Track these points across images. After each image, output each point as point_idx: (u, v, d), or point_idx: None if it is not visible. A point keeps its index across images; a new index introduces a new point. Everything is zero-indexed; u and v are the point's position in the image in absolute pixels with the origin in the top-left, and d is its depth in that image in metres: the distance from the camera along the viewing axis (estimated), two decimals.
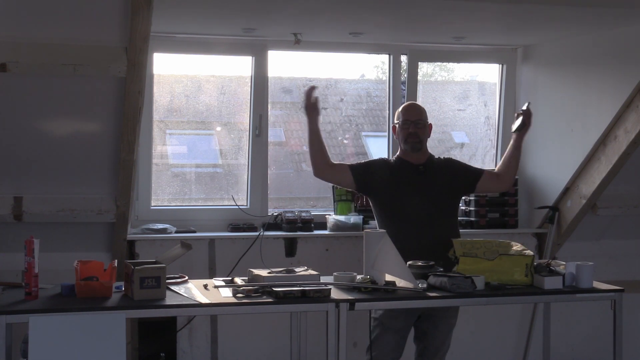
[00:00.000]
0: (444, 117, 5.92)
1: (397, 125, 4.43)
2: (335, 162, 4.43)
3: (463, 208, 5.69)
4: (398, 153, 4.46)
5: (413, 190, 4.30)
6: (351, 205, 5.39)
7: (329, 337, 3.50)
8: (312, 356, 4.18)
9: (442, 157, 4.59)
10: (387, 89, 5.68)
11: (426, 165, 4.37)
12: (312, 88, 4.31)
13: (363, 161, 4.55)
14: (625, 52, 4.89)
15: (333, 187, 5.40)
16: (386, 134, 5.71)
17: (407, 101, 5.62)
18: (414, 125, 4.36)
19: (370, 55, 5.85)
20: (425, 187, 4.31)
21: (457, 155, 5.97)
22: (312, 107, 4.30)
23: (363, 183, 4.34)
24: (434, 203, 4.27)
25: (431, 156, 4.46)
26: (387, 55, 5.65)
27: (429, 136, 4.48)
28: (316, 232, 5.29)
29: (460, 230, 5.44)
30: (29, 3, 3.77)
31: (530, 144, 5.74)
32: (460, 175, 4.41)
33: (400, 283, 3.76)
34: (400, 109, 4.49)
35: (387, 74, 5.69)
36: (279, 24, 4.82)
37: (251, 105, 5.37)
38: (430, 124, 4.49)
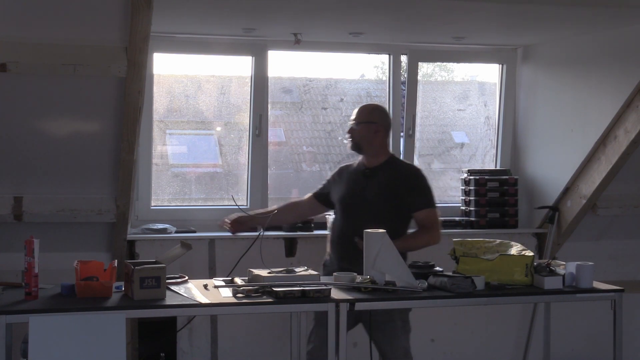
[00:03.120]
0: (444, 117, 5.93)
1: None
2: (300, 201, 4.62)
3: (463, 208, 5.69)
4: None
5: (352, 194, 4.29)
6: None
7: (329, 337, 3.50)
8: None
9: (410, 164, 4.53)
10: (387, 89, 5.68)
11: (375, 169, 4.29)
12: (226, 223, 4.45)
13: (324, 182, 4.54)
14: (625, 52, 4.89)
15: None
16: None
17: (407, 101, 5.63)
18: (352, 124, 4.34)
19: (370, 55, 5.85)
20: (365, 191, 4.26)
21: (457, 156, 5.98)
22: (237, 226, 4.44)
23: (327, 203, 4.46)
24: (368, 207, 4.22)
25: (391, 160, 4.34)
26: (387, 55, 5.65)
27: (372, 138, 4.29)
28: (316, 232, 5.28)
29: (461, 230, 5.51)
30: (29, 3, 3.77)
31: (530, 144, 5.75)
32: (405, 190, 4.23)
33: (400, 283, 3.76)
34: None
35: (387, 74, 5.69)
36: (279, 24, 4.82)
37: (251, 105, 5.37)
38: (382, 125, 4.30)
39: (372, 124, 4.29)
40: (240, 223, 4.44)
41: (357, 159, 4.43)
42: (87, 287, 3.48)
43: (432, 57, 5.80)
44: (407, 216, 4.28)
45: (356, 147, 4.33)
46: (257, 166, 5.40)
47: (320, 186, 4.53)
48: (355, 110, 4.38)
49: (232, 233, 4.48)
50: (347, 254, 4.18)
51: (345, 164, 4.53)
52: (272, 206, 4.84)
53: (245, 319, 5.04)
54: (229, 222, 4.43)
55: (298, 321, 4.10)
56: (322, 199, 4.47)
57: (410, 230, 4.34)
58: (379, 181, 4.25)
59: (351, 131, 4.33)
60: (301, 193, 5.73)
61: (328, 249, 4.38)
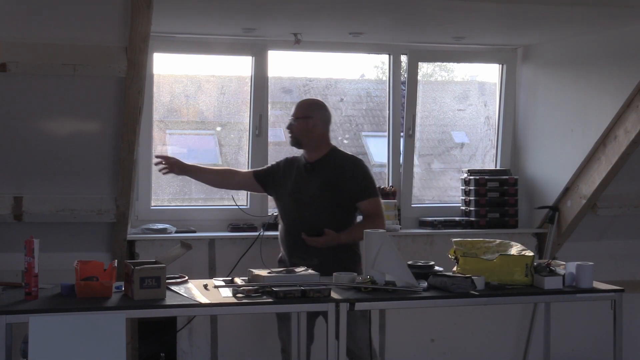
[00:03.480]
0: (444, 117, 5.93)
1: None
2: (239, 172, 4.66)
3: (463, 208, 5.69)
4: None
5: (295, 189, 4.33)
6: None
7: (329, 337, 3.50)
8: (312, 356, 4.18)
9: (350, 154, 4.49)
10: (387, 89, 5.68)
11: (315, 163, 4.33)
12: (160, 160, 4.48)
13: (268, 165, 4.63)
14: (625, 52, 4.89)
15: None
16: (386, 134, 5.71)
17: (407, 101, 5.63)
18: (291, 120, 4.37)
19: (370, 55, 5.85)
20: (306, 185, 4.30)
21: (457, 156, 5.98)
22: (172, 165, 4.47)
23: (265, 186, 4.51)
24: (311, 201, 4.25)
25: (331, 152, 4.37)
26: (387, 55, 5.65)
27: (310, 132, 4.32)
28: None
29: (461, 230, 5.51)
30: (29, 3, 3.77)
31: (530, 144, 5.75)
32: (346, 181, 4.27)
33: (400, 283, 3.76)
34: None
35: (387, 74, 5.69)
36: (279, 24, 4.82)
37: (251, 105, 5.37)
38: (312, 118, 4.33)
39: (309, 119, 4.35)
40: (174, 165, 4.47)
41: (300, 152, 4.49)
42: (87, 287, 3.48)
43: (432, 57, 5.80)
44: (351, 207, 4.31)
45: (295, 142, 4.38)
46: (257, 166, 5.39)
47: (262, 168, 4.62)
48: (294, 107, 4.43)
49: (163, 171, 4.49)
50: (297, 249, 4.23)
51: (291, 157, 4.55)
52: (212, 167, 4.84)
53: (245, 319, 5.04)
54: (164, 160, 4.46)
55: (298, 321, 4.10)
56: (260, 179, 4.52)
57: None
58: (320, 175, 4.30)
59: (290, 127, 4.38)
60: None
61: (280, 246, 4.44)
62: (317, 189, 4.27)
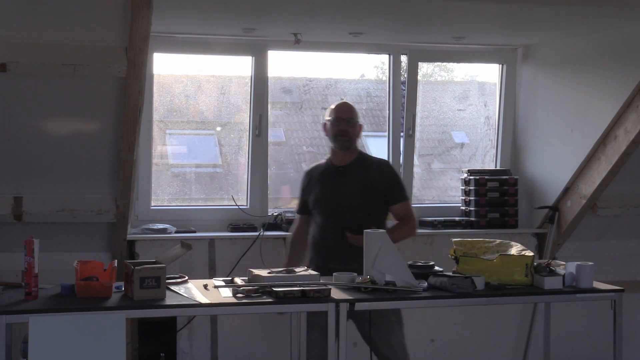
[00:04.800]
0: (444, 117, 5.93)
1: (327, 123, 4.41)
2: (299, 224, 4.52)
3: (463, 208, 5.69)
4: (329, 154, 4.46)
5: (330, 192, 4.31)
6: None
7: (329, 337, 3.50)
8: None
9: (379, 158, 4.52)
10: (387, 89, 5.68)
11: (348, 166, 4.33)
12: None
13: (299, 195, 4.52)
14: (625, 52, 4.89)
15: None
16: (386, 134, 5.71)
17: (407, 101, 5.63)
18: (345, 122, 4.33)
19: (370, 55, 5.85)
20: (343, 188, 4.29)
21: (457, 156, 5.98)
22: None
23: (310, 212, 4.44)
24: (349, 204, 4.25)
25: (360, 156, 4.39)
26: (387, 55, 5.65)
27: (359, 136, 4.41)
28: None
29: (461, 230, 5.51)
30: (29, 3, 3.77)
31: (530, 144, 5.75)
32: (381, 183, 4.30)
33: (400, 283, 3.76)
34: (332, 106, 4.46)
35: (387, 74, 5.69)
36: (279, 24, 4.82)
37: (251, 105, 5.37)
38: (361, 125, 4.43)
39: (358, 123, 4.40)
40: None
41: (320, 160, 4.48)
42: (87, 287, 3.48)
43: (432, 57, 5.80)
44: (384, 210, 4.34)
45: (349, 145, 4.34)
46: (257, 166, 5.40)
47: (298, 202, 4.55)
48: (340, 109, 4.38)
49: None
50: (334, 255, 4.19)
51: (309, 168, 4.54)
52: (287, 254, 4.60)
53: (245, 319, 5.04)
54: None
55: (298, 321, 4.10)
56: (306, 211, 4.46)
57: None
58: (354, 178, 4.29)
59: (346, 129, 4.32)
60: None
61: (311, 253, 4.37)
62: (353, 192, 4.27)
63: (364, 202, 4.25)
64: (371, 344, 4.07)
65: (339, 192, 4.29)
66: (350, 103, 4.54)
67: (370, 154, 4.55)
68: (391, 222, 4.42)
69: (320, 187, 4.36)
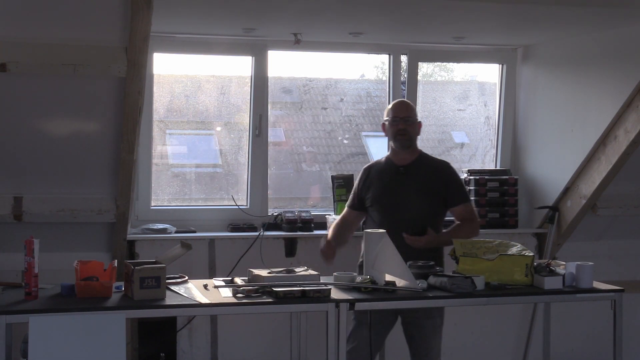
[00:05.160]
0: (444, 117, 5.93)
1: (386, 123, 4.41)
2: (345, 215, 4.52)
3: None
4: (388, 153, 4.46)
5: (390, 192, 4.31)
6: None
7: (329, 337, 3.50)
8: (312, 356, 4.18)
9: (440, 159, 4.55)
10: (387, 89, 5.68)
11: (409, 166, 4.33)
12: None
13: (354, 189, 4.52)
14: (625, 52, 4.88)
15: (333, 187, 5.41)
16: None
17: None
18: (403, 122, 4.33)
19: (370, 55, 5.85)
20: (403, 188, 4.29)
21: (457, 156, 5.98)
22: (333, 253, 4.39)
23: (364, 210, 4.43)
24: (409, 204, 4.25)
25: (421, 156, 4.41)
26: (387, 55, 5.65)
27: (418, 134, 4.42)
28: (316, 232, 5.28)
29: None
30: (29, 3, 3.77)
31: (530, 144, 5.75)
32: (442, 185, 4.32)
33: (400, 283, 3.76)
34: (389, 106, 4.48)
35: (387, 74, 5.69)
36: (279, 24, 4.82)
37: (251, 105, 5.37)
38: (420, 122, 4.44)
39: (417, 121, 4.40)
40: (334, 251, 4.41)
41: (380, 158, 4.48)
42: (87, 287, 3.48)
43: (432, 57, 5.80)
44: (443, 211, 4.36)
45: (409, 143, 4.34)
46: (257, 166, 5.40)
47: (351, 196, 4.54)
48: (397, 108, 4.38)
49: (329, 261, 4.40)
50: None
51: (368, 165, 4.54)
52: (328, 234, 4.61)
53: (245, 319, 5.04)
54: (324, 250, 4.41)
55: (298, 321, 4.10)
56: (358, 207, 4.46)
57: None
58: (415, 178, 4.30)
59: (406, 127, 4.32)
60: (301, 193, 5.75)
61: (364, 249, 4.34)
62: (414, 192, 4.27)
63: (422, 203, 4.26)
64: (371, 344, 4.09)
65: (399, 191, 4.29)
66: (407, 101, 4.55)
67: (431, 155, 4.52)
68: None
69: (380, 185, 4.35)
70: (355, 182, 4.54)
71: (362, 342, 4.15)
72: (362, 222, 4.59)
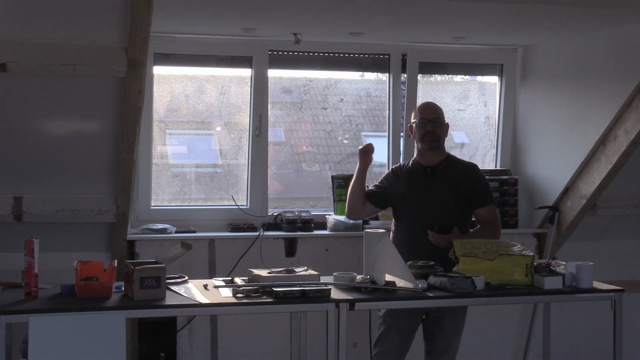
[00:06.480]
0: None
1: (413, 125, 4.41)
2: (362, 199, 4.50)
3: None
4: (415, 154, 4.46)
5: (417, 192, 4.31)
6: None
7: (329, 337, 3.50)
8: (312, 356, 4.18)
9: (467, 161, 4.57)
10: (387, 89, 5.68)
11: (436, 167, 4.34)
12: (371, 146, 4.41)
13: (378, 182, 4.53)
14: (624, 52, 4.89)
15: (333, 187, 5.41)
16: (386, 133, 5.71)
17: (406, 101, 5.63)
18: (431, 123, 4.33)
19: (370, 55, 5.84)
20: (429, 188, 4.30)
21: (457, 156, 5.95)
22: (366, 153, 4.38)
23: (383, 203, 4.47)
24: (436, 204, 4.26)
25: (449, 158, 4.42)
26: (387, 55, 5.65)
27: (446, 135, 4.43)
28: (316, 232, 5.29)
29: None
30: (29, 3, 3.77)
31: (530, 144, 5.75)
32: (469, 186, 4.33)
33: (400, 283, 3.76)
34: (417, 107, 4.48)
35: (387, 74, 5.69)
36: (279, 24, 4.82)
37: (251, 105, 5.37)
38: (447, 123, 4.45)
39: (445, 122, 4.42)
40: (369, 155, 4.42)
41: (405, 162, 4.49)
42: (87, 287, 3.48)
43: (432, 57, 5.79)
44: (469, 212, 4.36)
45: (437, 145, 4.35)
46: (257, 166, 5.40)
47: (372, 187, 4.53)
48: (424, 110, 4.38)
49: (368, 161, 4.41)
50: (418, 251, 4.12)
51: (396, 165, 4.56)
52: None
53: (245, 319, 5.04)
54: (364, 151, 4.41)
55: (298, 321, 4.10)
56: (374, 199, 4.45)
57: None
58: (442, 178, 4.30)
59: (434, 129, 4.32)
60: (301, 193, 5.74)
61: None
62: (441, 193, 4.27)
63: (449, 203, 4.26)
64: (429, 339, 4.20)
65: (426, 191, 4.29)
66: (435, 103, 4.56)
67: (458, 157, 4.53)
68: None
69: (407, 186, 4.35)
70: (381, 179, 4.53)
71: (391, 345, 4.20)
72: (366, 213, 4.58)
